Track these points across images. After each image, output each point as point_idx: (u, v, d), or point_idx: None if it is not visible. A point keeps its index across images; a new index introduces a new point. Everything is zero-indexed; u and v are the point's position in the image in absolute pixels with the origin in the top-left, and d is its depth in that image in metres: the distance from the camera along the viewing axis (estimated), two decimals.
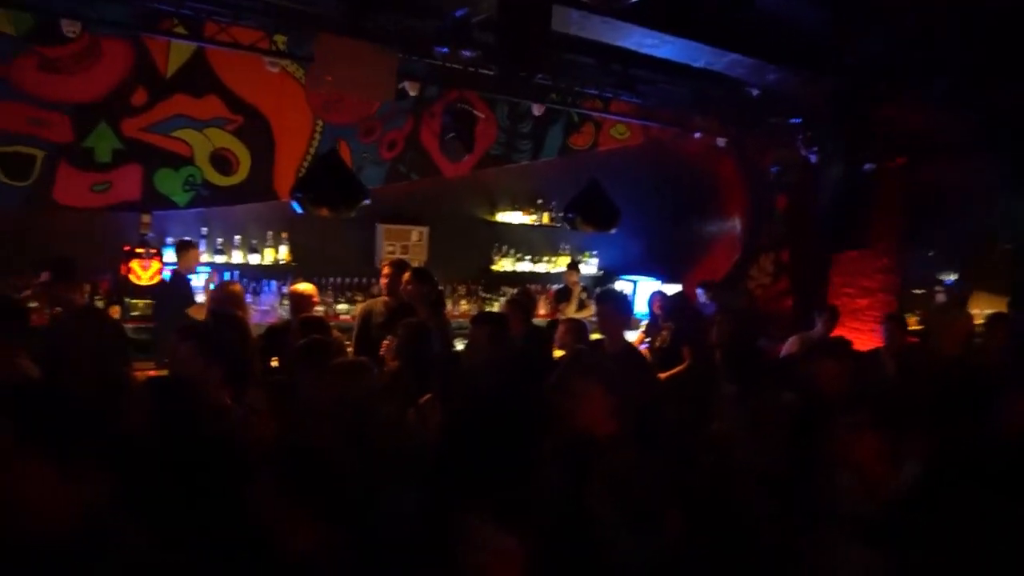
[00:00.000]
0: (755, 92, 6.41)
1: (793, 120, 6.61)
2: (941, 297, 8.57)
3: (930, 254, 9.76)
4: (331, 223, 6.32)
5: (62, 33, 4.65)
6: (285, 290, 6.24)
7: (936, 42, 4.45)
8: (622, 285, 8.80)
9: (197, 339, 3.14)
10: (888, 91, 5.34)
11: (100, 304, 5.52)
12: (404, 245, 7.19)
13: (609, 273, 8.90)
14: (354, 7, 4.43)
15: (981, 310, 9.90)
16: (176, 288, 5.65)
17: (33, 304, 5.37)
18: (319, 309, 6.39)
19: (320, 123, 6.59)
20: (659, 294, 6.70)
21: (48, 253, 4.21)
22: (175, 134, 6.00)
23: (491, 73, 5.31)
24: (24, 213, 5.55)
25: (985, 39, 4.38)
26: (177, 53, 5.83)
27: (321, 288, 6.67)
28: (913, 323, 8.95)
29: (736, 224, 9.66)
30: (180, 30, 5.37)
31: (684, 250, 9.42)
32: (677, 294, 7.05)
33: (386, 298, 5.00)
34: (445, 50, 4.47)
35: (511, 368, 3.68)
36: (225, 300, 4.21)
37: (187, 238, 6.04)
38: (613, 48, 5.00)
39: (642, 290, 8.48)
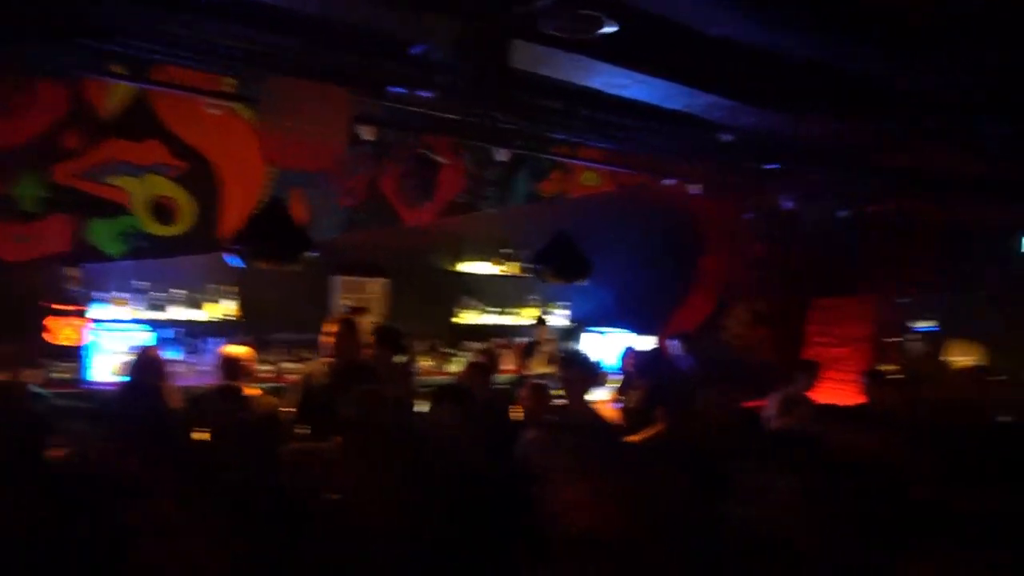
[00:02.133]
0: (726, 137, 6.18)
1: (769, 165, 6.38)
2: (918, 346, 8.34)
3: (907, 300, 9.61)
4: (283, 275, 5.91)
5: None
6: None
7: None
8: (592, 337, 8.43)
9: (101, 418, 2.70)
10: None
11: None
12: (362, 297, 6.75)
13: (580, 325, 8.53)
14: (305, 46, 4.08)
15: (956, 357, 9.73)
16: None
17: None
18: (266, 369, 5.94)
19: (272, 170, 6.19)
20: (631, 350, 6.34)
21: None
22: (111, 181, 5.55)
23: (453, 117, 4.99)
24: None
25: None
26: (117, 95, 5.42)
27: (269, 345, 6.21)
28: (889, 372, 8.72)
29: (712, 273, 9.41)
30: (120, 70, 5.00)
31: (658, 300, 9.10)
32: (651, 350, 6.70)
33: (329, 359, 4.54)
34: (401, 91, 4.13)
35: (480, 452, 3.24)
36: (142, 368, 3.73)
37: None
38: (582, 91, 4.72)
39: (612, 342, 8.12)
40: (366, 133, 5.16)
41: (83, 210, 5.45)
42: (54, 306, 5.22)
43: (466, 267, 7.77)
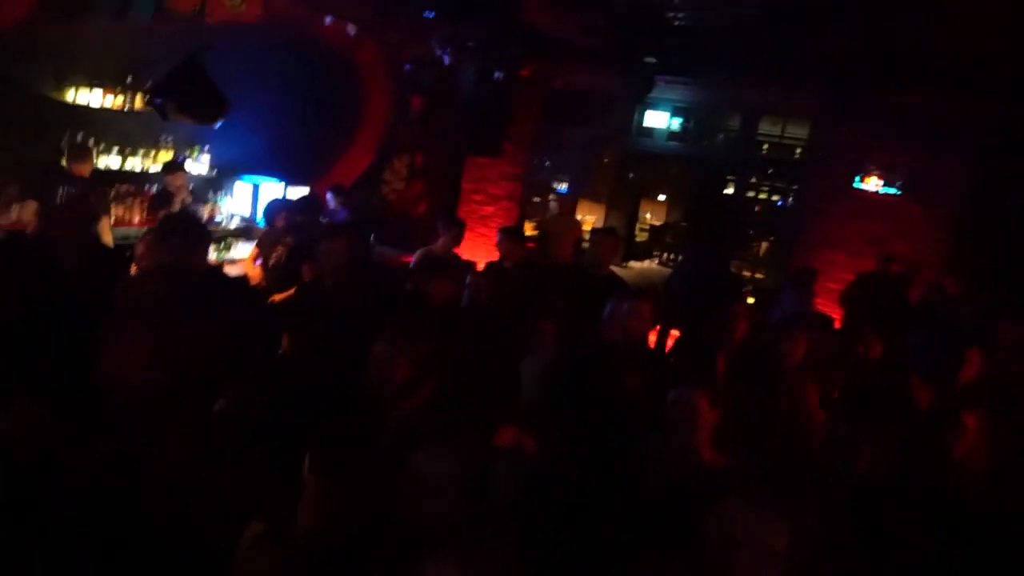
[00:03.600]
0: None
1: (427, 13, 6.12)
2: (554, 205, 9.20)
3: (547, 163, 10.46)
4: None
5: None
6: None
7: None
8: (242, 187, 7.73)
9: None
10: None
11: None
12: None
13: (225, 172, 7.70)
14: None
15: (584, 216, 11.06)
16: None
17: None
18: None
19: None
20: (277, 202, 5.88)
21: None
22: None
23: None
24: None
25: None
26: None
27: None
28: (531, 229, 9.57)
29: (371, 124, 9.11)
30: None
31: (316, 149, 8.59)
32: (301, 199, 6.28)
33: None
34: None
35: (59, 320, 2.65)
36: None
37: None
38: None
39: (265, 193, 7.53)
40: None
41: None
42: None
43: (75, 96, 6.37)
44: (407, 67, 7.30)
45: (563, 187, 10.21)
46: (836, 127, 7.42)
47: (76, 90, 6.39)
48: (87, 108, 6.45)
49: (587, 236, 7.68)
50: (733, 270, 7.78)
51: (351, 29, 6.89)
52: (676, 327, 6.04)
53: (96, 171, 6.56)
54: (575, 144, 9.51)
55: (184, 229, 2.94)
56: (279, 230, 5.55)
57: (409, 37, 7.39)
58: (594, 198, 11.47)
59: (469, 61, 6.51)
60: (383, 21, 6.97)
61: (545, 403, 3.21)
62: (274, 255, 5.15)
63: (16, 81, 6.00)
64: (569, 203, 9.71)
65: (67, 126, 6.38)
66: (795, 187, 9.09)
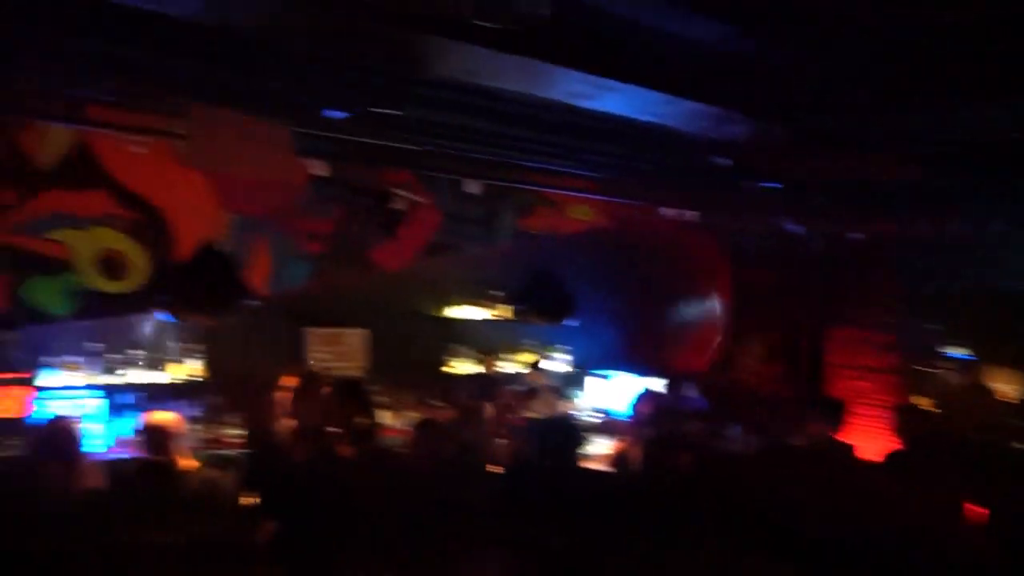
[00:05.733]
0: (722, 161, 5.69)
1: (768, 184, 5.85)
2: (953, 374, 7.65)
3: (930, 325, 8.91)
4: (252, 330, 5.62)
5: None
6: None
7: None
8: (595, 382, 7.85)
9: None
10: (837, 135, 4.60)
11: None
12: (337, 351, 6.24)
13: (583, 369, 7.98)
14: (228, 71, 3.69)
15: (995, 384, 8.95)
16: None
17: None
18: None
19: (231, 217, 5.77)
20: (647, 394, 5.81)
21: None
22: (51, 235, 5.14)
23: (414, 148, 4.55)
24: None
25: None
26: (54, 142, 5.06)
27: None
28: (925, 404, 7.99)
29: (716, 306, 8.82)
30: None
31: (662, 338, 8.53)
32: (659, 390, 6.12)
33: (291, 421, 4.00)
34: (338, 114, 3.71)
35: None
36: (47, 442, 3.20)
37: None
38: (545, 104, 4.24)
39: (618, 386, 7.52)
40: (318, 169, 4.75)
41: (19, 268, 5.02)
42: None
43: (454, 312, 7.29)
44: (750, 242, 7.00)
45: (959, 352, 8.52)
46: None
47: (453, 307, 7.31)
48: (462, 322, 7.31)
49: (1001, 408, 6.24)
50: None
51: (688, 216, 6.92)
52: None
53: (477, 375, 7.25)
54: (962, 299, 8.01)
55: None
56: (641, 422, 5.45)
57: (747, 211, 7.16)
58: (1006, 361, 9.33)
59: (817, 226, 5.98)
60: (718, 204, 6.88)
61: None
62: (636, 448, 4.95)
63: (405, 306, 7.04)
64: (972, 369, 8.01)
65: (445, 339, 7.26)
66: None
